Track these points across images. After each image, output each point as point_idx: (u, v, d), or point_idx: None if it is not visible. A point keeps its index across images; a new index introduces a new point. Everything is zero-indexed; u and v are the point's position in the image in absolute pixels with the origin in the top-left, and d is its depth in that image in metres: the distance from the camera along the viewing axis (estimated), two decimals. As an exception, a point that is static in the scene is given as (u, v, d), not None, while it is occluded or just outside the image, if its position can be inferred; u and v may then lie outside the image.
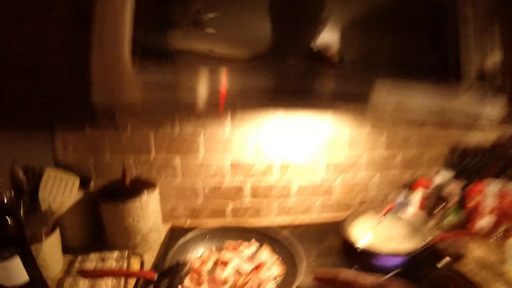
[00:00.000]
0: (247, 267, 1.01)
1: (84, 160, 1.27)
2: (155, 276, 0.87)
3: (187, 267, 0.87)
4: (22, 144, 1.10)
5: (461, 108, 0.99)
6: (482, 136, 1.46)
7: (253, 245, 1.12)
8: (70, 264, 1.02)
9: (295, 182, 1.40)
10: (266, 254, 1.07)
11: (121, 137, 1.24)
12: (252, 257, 1.08)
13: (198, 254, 1.09)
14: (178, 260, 0.89)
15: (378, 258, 1.04)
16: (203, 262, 1.03)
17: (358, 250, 1.05)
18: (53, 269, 0.98)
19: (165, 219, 1.30)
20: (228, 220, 1.39)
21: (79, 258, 1.04)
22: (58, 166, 1.21)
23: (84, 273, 0.90)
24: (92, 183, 1.24)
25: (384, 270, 0.98)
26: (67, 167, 1.20)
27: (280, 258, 1.06)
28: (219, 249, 1.11)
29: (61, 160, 1.24)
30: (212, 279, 0.95)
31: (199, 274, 0.96)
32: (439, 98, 0.94)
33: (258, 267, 1.00)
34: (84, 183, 1.19)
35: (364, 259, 1.05)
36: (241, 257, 1.06)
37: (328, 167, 1.40)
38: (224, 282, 0.94)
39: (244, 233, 1.16)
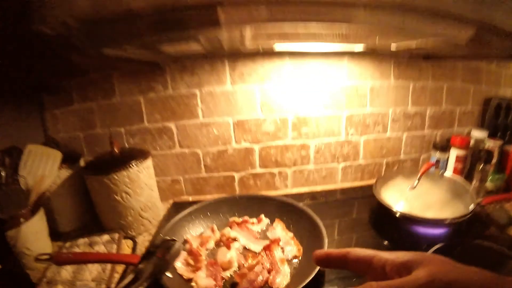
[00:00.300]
0: (256, 247, 0.83)
1: (75, 136, 1.16)
2: (137, 260, 0.70)
3: (176, 247, 0.70)
4: (13, 125, 1.03)
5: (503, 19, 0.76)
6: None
7: (263, 221, 0.94)
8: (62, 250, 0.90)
9: (312, 145, 1.22)
10: (279, 231, 0.88)
11: (110, 106, 1.11)
12: (261, 235, 0.90)
13: (197, 233, 0.92)
14: (164, 239, 0.71)
15: (418, 225, 0.88)
16: (203, 242, 0.85)
17: (397, 215, 0.89)
18: (39, 257, 0.86)
19: (165, 195, 1.18)
20: (237, 193, 1.23)
21: (68, 244, 0.92)
22: (49, 144, 1.08)
23: (54, 260, 0.75)
24: (82, 160, 1.09)
25: (424, 241, 0.84)
26: (58, 145, 1.09)
27: (297, 236, 0.87)
28: (223, 226, 0.93)
29: (51, 138, 1.14)
30: (213, 263, 0.77)
31: (196, 256, 0.79)
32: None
33: (269, 247, 0.81)
34: (74, 160, 1.05)
35: (401, 228, 0.91)
36: (248, 235, 0.88)
37: (349, 125, 1.22)
38: (227, 266, 0.76)
39: (252, 206, 0.98)
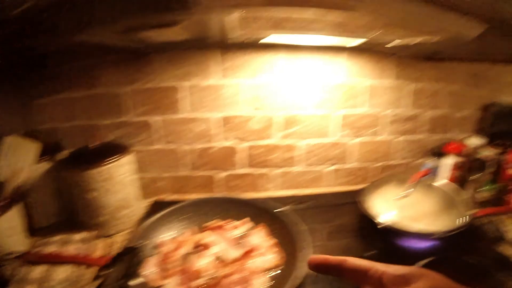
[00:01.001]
0: (233, 254, 0.78)
1: (57, 127, 1.11)
2: (104, 262, 0.67)
3: (146, 251, 0.65)
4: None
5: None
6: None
7: (246, 224, 0.88)
8: (33, 248, 0.87)
9: (302, 145, 1.16)
10: (260, 237, 0.83)
11: (93, 97, 1.06)
12: (241, 240, 0.84)
13: (172, 236, 0.86)
14: (134, 243, 0.66)
15: (405, 238, 0.83)
16: (177, 247, 0.80)
17: (379, 227, 0.83)
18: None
19: (146, 193, 1.12)
20: (220, 193, 1.17)
21: (42, 242, 0.89)
22: (29, 136, 1.03)
23: (22, 259, 0.73)
24: (62, 153, 1.05)
25: (410, 255, 0.81)
26: (38, 137, 1.02)
27: (279, 243, 0.81)
28: (201, 230, 0.88)
29: (32, 129, 1.09)
30: (185, 270, 0.72)
31: (168, 262, 0.74)
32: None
33: (248, 254, 0.76)
34: (54, 153, 1.01)
35: (386, 240, 0.86)
36: (226, 240, 0.82)
37: (342, 126, 1.16)
38: (200, 274, 0.71)
39: (234, 209, 0.92)
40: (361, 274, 0.33)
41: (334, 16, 0.73)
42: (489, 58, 1.14)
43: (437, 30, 0.79)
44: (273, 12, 0.72)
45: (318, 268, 0.36)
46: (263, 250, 0.78)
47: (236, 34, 0.85)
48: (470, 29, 0.75)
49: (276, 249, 0.79)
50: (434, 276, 0.30)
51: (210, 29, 0.79)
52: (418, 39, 0.88)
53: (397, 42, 0.93)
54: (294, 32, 0.90)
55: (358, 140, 1.19)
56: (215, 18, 0.71)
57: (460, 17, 0.72)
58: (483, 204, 1.08)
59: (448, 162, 1.10)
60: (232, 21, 0.74)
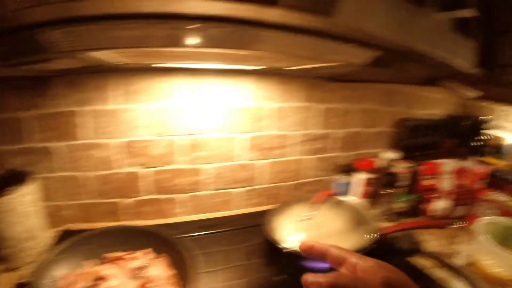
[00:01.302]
0: (130, 286, 0.77)
1: None
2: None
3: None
4: None
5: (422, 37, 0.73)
6: (433, 109, 1.36)
7: (147, 255, 0.87)
8: None
9: (210, 168, 1.16)
10: (160, 268, 0.82)
11: None
12: (140, 272, 0.82)
13: (70, 270, 0.82)
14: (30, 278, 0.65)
15: (311, 261, 0.81)
16: (76, 280, 0.77)
17: (284, 251, 0.84)
18: None
19: (54, 222, 1.06)
20: (125, 221, 1.14)
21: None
22: None
23: None
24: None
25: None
26: None
27: (179, 273, 0.81)
28: (99, 262, 0.86)
29: None
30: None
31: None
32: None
33: (144, 286, 0.76)
34: None
35: (294, 263, 0.84)
36: (123, 273, 0.81)
37: (250, 148, 1.17)
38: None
39: (139, 238, 0.90)
40: (340, 260, 0.43)
41: (233, 52, 0.73)
42: (400, 80, 1.15)
43: (328, 59, 0.80)
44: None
45: (307, 251, 0.46)
46: (161, 281, 0.78)
47: (124, 62, 0.82)
48: (358, 57, 0.76)
49: (174, 280, 0.79)
50: (393, 269, 0.40)
51: (95, 60, 0.76)
52: (313, 65, 0.89)
53: (294, 68, 0.94)
54: (190, 62, 0.90)
55: (268, 161, 1.19)
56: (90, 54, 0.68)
57: (349, 47, 0.72)
58: (400, 215, 1.10)
59: (360, 178, 1.12)
60: (113, 55, 0.71)
